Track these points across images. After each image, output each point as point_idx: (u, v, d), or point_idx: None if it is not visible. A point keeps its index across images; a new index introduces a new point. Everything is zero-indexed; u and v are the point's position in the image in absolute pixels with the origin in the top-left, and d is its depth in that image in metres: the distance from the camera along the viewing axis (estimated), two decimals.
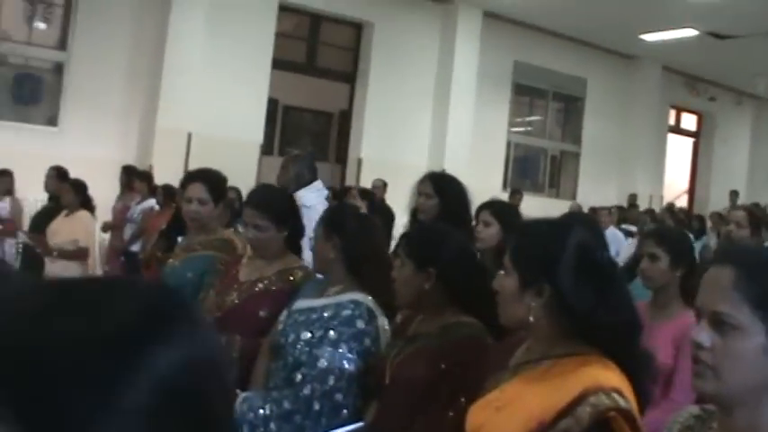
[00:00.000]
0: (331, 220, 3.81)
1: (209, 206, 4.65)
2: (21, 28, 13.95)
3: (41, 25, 14.24)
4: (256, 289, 3.99)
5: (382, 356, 3.44)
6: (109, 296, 0.90)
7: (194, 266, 4.54)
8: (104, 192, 10.73)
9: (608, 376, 2.19)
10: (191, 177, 4.83)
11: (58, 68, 14.00)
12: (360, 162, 15.92)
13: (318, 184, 6.26)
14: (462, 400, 2.95)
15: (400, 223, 9.03)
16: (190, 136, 13.69)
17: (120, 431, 0.81)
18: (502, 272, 2.46)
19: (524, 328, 2.47)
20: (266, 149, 15.44)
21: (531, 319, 2.32)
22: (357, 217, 4.03)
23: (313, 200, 5.95)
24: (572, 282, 2.25)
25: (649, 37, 17.68)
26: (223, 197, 4.79)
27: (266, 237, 4.04)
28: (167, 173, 12.35)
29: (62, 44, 13.97)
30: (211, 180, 4.72)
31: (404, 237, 3.58)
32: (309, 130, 18.11)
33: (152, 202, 11.21)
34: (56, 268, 8.05)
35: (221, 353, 0.99)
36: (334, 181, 15.78)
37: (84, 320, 0.84)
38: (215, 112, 13.81)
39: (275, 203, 4.13)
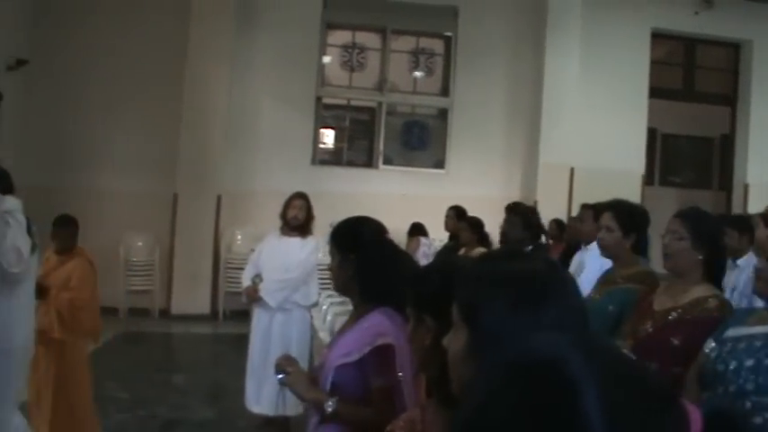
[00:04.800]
0: None
1: (616, 234, 4.68)
2: (406, 79, 14.84)
3: (423, 75, 14.96)
4: (670, 318, 3.91)
5: None
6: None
7: (615, 299, 4.56)
8: (492, 229, 11.02)
9: None
10: (603, 207, 4.90)
11: (442, 114, 14.72)
12: (746, 188, 15.31)
13: None
14: None
15: None
16: (572, 170, 13.84)
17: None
18: None
19: None
20: (648, 179, 15.27)
21: None
22: None
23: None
24: None
25: None
26: (634, 228, 4.77)
27: (682, 251, 3.97)
28: (552, 208, 12.53)
29: (444, 91, 14.68)
30: (619, 209, 4.76)
31: None
32: (690, 158, 17.56)
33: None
34: None
35: None
36: (717, 208, 15.25)
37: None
38: (595, 145, 13.90)
39: (700, 226, 4.04)
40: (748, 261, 6.17)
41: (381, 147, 14.60)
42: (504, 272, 1.60)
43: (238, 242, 13.64)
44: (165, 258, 13.37)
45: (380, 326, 3.17)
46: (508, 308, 1.52)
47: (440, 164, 14.63)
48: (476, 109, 14.29)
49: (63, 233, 6.57)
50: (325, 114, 14.92)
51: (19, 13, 12.94)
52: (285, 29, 13.94)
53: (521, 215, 7.62)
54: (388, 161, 14.60)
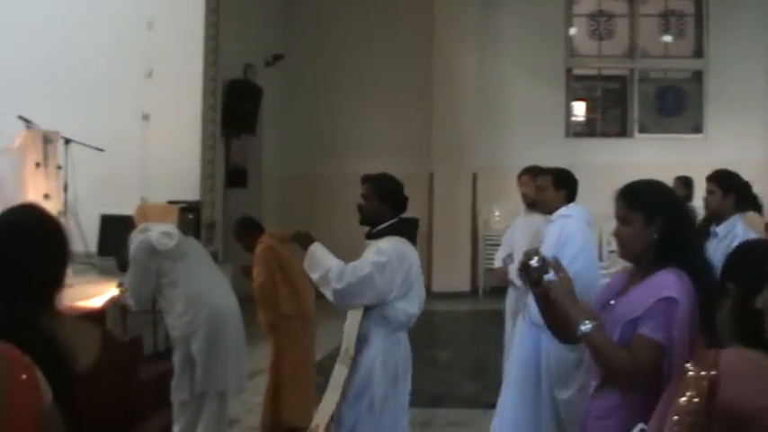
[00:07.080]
0: None
1: None
2: (656, 43, 14.48)
3: (674, 37, 14.53)
4: None
5: None
6: None
7: None
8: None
9: None
10: None
11: (697, 76, 14.26)
12: None
13: None
14: None
15: None
16: None
17: None
18: None
19: None
20: None
21: None
22: None
23: None
24: None
25: None
26: None
27: None
28: None
29: (698, 52, 14.22)
30: None
31: None
32: None
33: None
34: None
35: None
36: None
37: None
38: None
39: None
40: None
41: (636, 115, 14.34)
42: None
43: (496, 218, 13.75)
44: (423, 237, 13.66)
45: (667, 280, 3.04)
46: None
47: (697, 128, 14.19)
48: (732, 68, 13.72)
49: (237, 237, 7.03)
50: (575, 86, 14.79)
51: (273, 10, 13.60)
52: (529, 2, 13.95)
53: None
54: (643, 129, 14.34)
